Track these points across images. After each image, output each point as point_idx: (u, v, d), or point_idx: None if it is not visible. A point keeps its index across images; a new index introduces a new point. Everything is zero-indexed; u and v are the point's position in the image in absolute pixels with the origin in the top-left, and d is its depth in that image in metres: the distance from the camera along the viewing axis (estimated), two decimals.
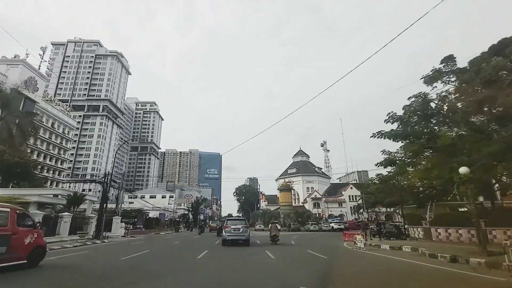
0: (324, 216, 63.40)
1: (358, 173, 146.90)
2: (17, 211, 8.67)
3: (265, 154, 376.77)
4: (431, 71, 22.20)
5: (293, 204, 66.35)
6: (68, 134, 69.71)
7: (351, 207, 69.11)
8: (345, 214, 68.17)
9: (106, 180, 24.91)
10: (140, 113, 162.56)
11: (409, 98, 27.10)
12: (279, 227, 23.07)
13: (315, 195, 69.80)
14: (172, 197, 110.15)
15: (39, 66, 58.02)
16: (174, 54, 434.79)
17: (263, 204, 79.75)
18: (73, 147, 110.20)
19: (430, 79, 23.85)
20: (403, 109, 29.76)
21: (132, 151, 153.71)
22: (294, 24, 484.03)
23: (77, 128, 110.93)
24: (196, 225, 67.07)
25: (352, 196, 70.01)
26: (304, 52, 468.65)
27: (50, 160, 64.46)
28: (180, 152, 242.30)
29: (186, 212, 69.66)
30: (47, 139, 63.11)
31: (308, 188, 75.02)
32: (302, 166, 78.76)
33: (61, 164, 68.02)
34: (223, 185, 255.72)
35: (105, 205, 24.55)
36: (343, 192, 70.63)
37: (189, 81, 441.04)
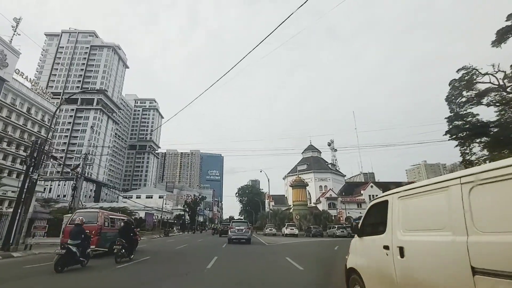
0: (341, 218, 53.11)
1: (364, 175, 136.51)
2: (107, 215, 14.03)
3: (268, 156, 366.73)
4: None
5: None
6: (48, 122, 59.70)
7: None
8: None
9: (33, 156, 14.80)
10: (139, 110, 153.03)
11: (458, 71, 26.77)
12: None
13: (330, 195, 59.44)
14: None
15: (11, 39, 48.43)
16: (178, 58, 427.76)
17: (269, 204, 69.40)
18: (64, 143, 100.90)
19: (498, 37, 23.96)
20: (449, 84, 28.35)
21: (130, 150, 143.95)
22: (297, 28, 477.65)
23: (69, 122, 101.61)
24: (192, 227, 56.99)
25: (374, 195, 59.64)
26: (306, 55, 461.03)
27: (24, 151, 54.44)
28: (181, 153, 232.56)
29: (182, 213, 59.23)
30: (21, 125, 53.28)
31: (321, 186, 64.67)
32: (314, 162, 68.45)
33: None
34: (225, 187, 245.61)
35: (25, 197, 14.40)
36: (362, 191, 60.27)
37: (193, 84, 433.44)
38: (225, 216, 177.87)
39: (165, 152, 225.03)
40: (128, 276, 7.91)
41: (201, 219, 78.58)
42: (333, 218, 48.45)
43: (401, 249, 3.16)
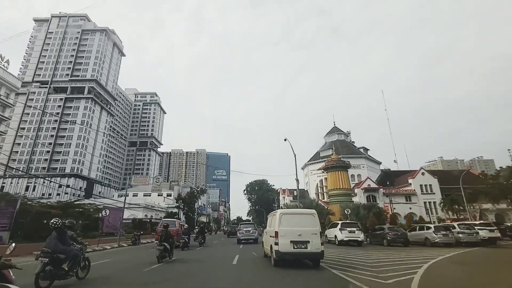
0: (387, 214, 37.52)
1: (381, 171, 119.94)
2: (181, 223, 21.66)
3: (278, 154, 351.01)
4: None
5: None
6: (7, 99, 45.69)
7: (425, 202, 43.31)
8: (415, 213, 42.27)
9: None
10: (139, 105, 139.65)
11: None
12: None
13: (369, 185, 44.04)
14: (171, 195, 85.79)
15: None
16: (184, 61, 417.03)
17: (287, 200, 54.36)
18: (52, 135, 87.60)
19: None
20: None
21: (130, 147, 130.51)
22: (302, 29, 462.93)
23: (57, 113, 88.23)
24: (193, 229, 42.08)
25: (426, 186, 44.18)
26: (312, 55, 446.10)
27: None
28: (187, 152, 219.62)
29: (175, 211, 43.80)
30: None
31: (353, 175, 49.40)
32: (342, 146, 53.20)
33: None
34: (231, 189, 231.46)
35: None
36: (409, 180, 44.79)
37: (200, 87, 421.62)
38: (233, 216, 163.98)
39: (170, 152, 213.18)
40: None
41: (204, 219, 63.63)
42: (384, 214, 33.17)
43: (265, 232, 11.36)
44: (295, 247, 8.27)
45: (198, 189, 47.04)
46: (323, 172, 50.99)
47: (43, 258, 5.86)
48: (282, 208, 60.68)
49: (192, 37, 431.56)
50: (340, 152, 51.62)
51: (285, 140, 23.43)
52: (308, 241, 8.30)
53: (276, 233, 8.53)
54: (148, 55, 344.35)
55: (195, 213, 46.30)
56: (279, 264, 8.58)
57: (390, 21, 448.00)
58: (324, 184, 51.86)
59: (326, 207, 28.09)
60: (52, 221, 6.25)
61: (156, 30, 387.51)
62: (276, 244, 8.40)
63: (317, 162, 53.53)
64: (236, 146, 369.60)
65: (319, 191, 51.62)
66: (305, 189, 57.11)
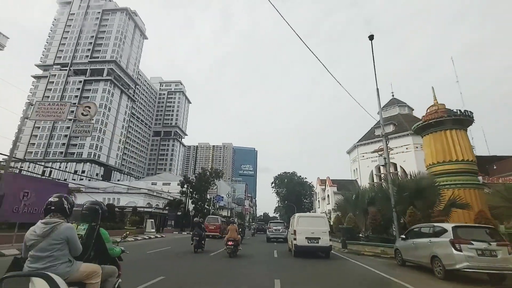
0: None
1: None
2: (222, 220, 25.29)
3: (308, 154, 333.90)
4: None
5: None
6: None
7: None
8: None
9: None
10: (164, 93, 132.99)
11: None
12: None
13: None
14: (187, 185, 76.64)
15: None
16: (211, 57, 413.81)
17: (329, 191, 41.20)
18: (70, 119, 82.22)
19: None
20: None
21: (155, 136, 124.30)
22: (332, 22, 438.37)
23: (76, 96, 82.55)
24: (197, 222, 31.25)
25: None
26: (343, 50, 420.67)
27: None
28: (213, 146, 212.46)
29: (180, 198, 32.16)
30: None
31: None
32: (407, 121, 38.78)
33: None
34: (258, 187, 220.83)
35: None
36: None
37: (227, 82, 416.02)
38: (259, 212, 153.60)
39: (196, 145, 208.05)
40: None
41: (225, 212, 52.46)
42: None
43: (289, 231, 15.18)
44: (309, 242, 11.10)
45: (214, 170, 34.97)
46: (392, 149, 37.10)
47: (196, 237, 11.66)
48: (319, 202, 47.67)
49: (219, 33, 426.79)
50: (406, 128, 37.65)
51: (371, 38, 10.93)
52: (319, 238, 11.10)
53: (295, 231, 11.42)
54: (176, 53, 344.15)
55: (210, 204, 34.77)
56: (297, 255, 11.33)
57: (428, 12, 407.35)
58: (381, 172, 38.02)
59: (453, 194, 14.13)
60: (195, 219, 14.06)
61: (184, 27, 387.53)
62: (295, 239, 11.28)
63: (371, 143, 39.77)
64: (262, 141, 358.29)
65: (375, 181, 37.88)
66: (354, 179, 43.55)
